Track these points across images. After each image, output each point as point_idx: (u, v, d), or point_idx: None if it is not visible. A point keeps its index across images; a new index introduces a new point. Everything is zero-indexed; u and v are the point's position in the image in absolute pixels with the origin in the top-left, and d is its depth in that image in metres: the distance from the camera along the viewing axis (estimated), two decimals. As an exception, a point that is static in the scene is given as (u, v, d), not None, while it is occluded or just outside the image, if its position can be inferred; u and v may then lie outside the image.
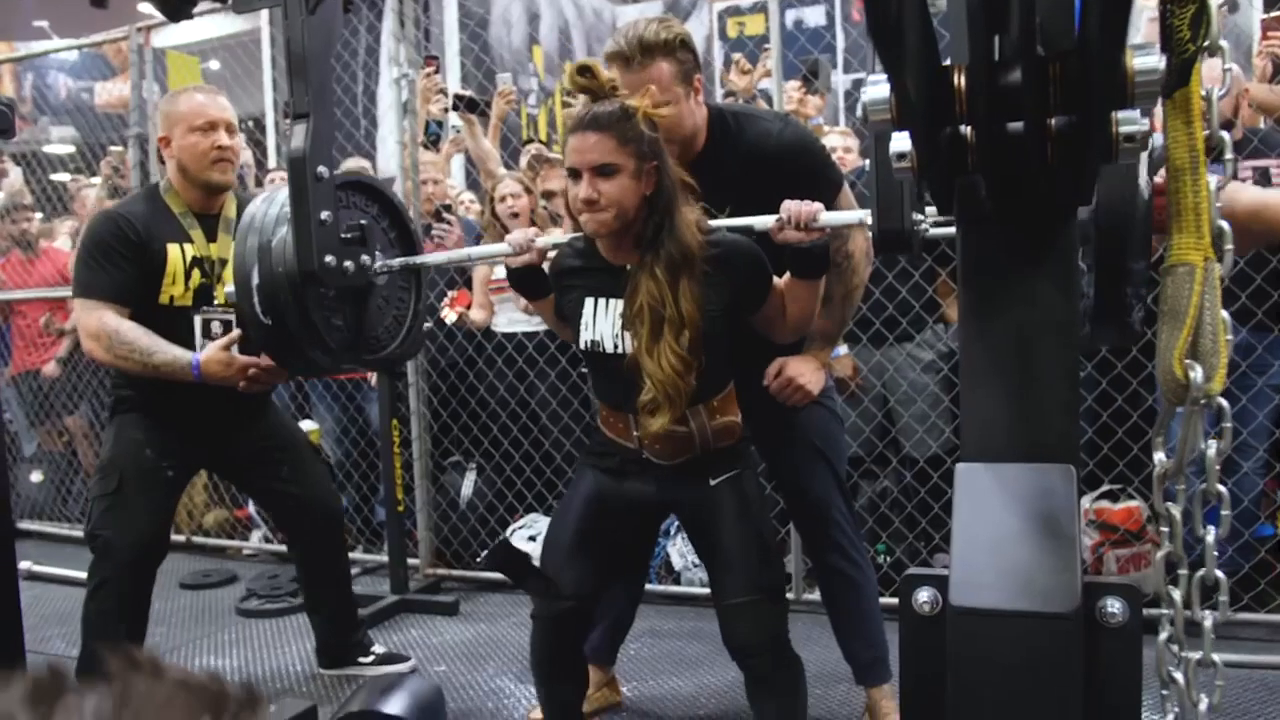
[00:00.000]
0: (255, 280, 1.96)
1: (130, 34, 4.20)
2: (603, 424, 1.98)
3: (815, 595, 3.05)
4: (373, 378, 3.78)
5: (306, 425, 4.12)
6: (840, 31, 5.51)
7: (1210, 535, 1.05)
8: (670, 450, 1.89)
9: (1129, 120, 1.03)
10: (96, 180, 4.91)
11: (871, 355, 3.26)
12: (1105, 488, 3.10)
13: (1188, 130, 0.98)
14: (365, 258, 2.22)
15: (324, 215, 2.11)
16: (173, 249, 2.45)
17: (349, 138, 4.38)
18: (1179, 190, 0.99)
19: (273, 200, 2.05)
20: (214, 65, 6.59)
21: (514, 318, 3.71)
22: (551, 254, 2.03)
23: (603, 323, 1.90)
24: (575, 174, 1.80)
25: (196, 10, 2.15)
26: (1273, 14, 3.40)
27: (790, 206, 1.75)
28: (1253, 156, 2.98)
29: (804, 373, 2.13)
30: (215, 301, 2.47)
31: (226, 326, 2.45)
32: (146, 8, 2.47)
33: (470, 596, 3.56)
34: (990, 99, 0.94)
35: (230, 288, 2.08)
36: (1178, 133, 0.98)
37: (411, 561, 3.64)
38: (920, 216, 1.86)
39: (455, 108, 4.26)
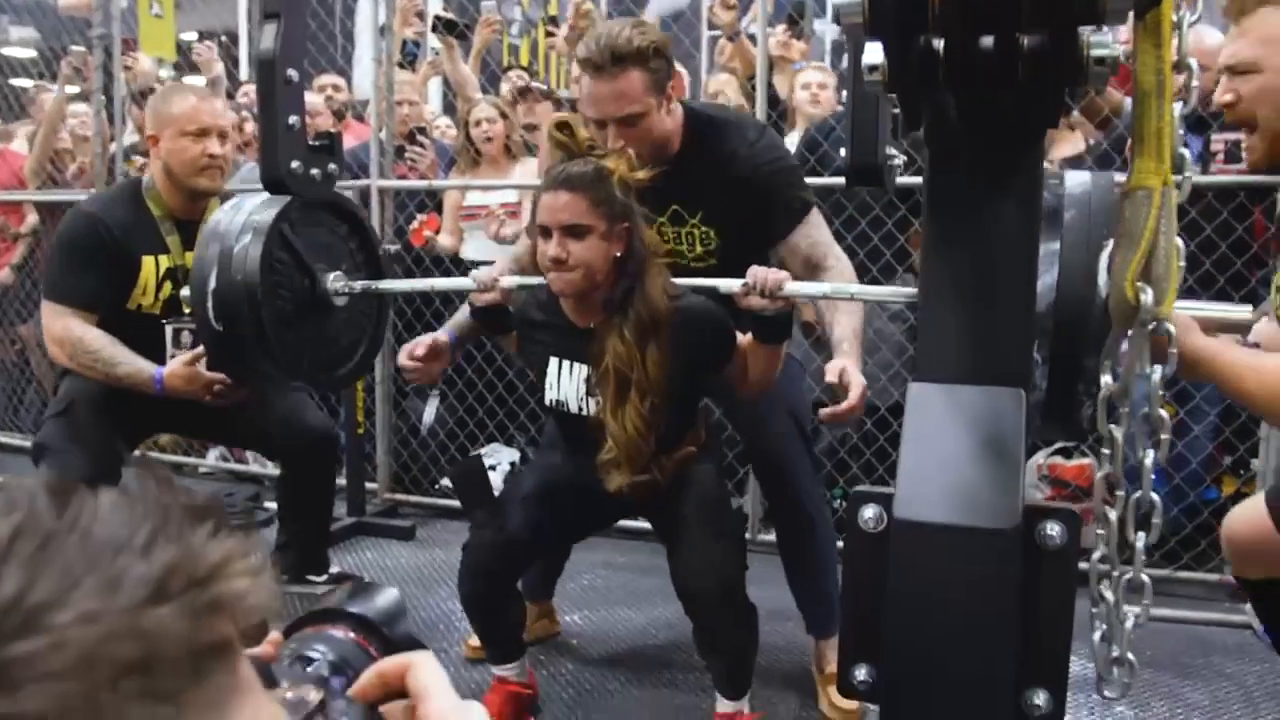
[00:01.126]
0: (212, 285, 1.94)
1: (98, -63, 4.08)
2: None
3: (771, 536, 3.10)
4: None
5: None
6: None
7: (1149, 458, 1.09)
8: (632, 492, 1.94)
9: (1101, 43, 1.04)
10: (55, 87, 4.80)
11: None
12: (1059, 444, 3.16)
13: (1157, 54, 0.99)
14: (333, 166, 2.20)
15: (292, 120, 2.08)
16: (147, 261, 2.44)
17: (322, 51, 4.30)
18: (1144, 114, 1.01)
19: (239, 207, 2.03)
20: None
21: (483, 245, 3.70)
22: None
23: (567, 384, 1.96)
24: (546, 232, 1.82)
25: None
26: None
27: (757, 273, 1.75)
28: (1227, 130, 3.00)
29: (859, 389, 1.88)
30: (186, 311, 2.45)
31: (197, 337, 2.44)
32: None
33: (427, 522, 3.59)
34: (963, 9, 0.95)
35: (186, 291, 2.08)
36: (1147, 55, 1.00)
37: (370, 486, 3.66)
38: (894, 152, 1.87)
39: (434, 29, 4.19)
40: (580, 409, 1.95)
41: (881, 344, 3.24)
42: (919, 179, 1.76)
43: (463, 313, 2.18)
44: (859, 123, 1.62)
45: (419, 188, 3.75)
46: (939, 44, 1.03)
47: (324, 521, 2.84)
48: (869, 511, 1.23)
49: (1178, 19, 1.02)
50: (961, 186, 1.18)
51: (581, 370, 1.94)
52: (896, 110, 1.61)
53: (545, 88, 4.16)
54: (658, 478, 1.94)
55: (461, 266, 3.72)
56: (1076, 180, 1.34)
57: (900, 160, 1.90)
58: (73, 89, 4.88)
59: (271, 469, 3.66)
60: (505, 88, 4.18)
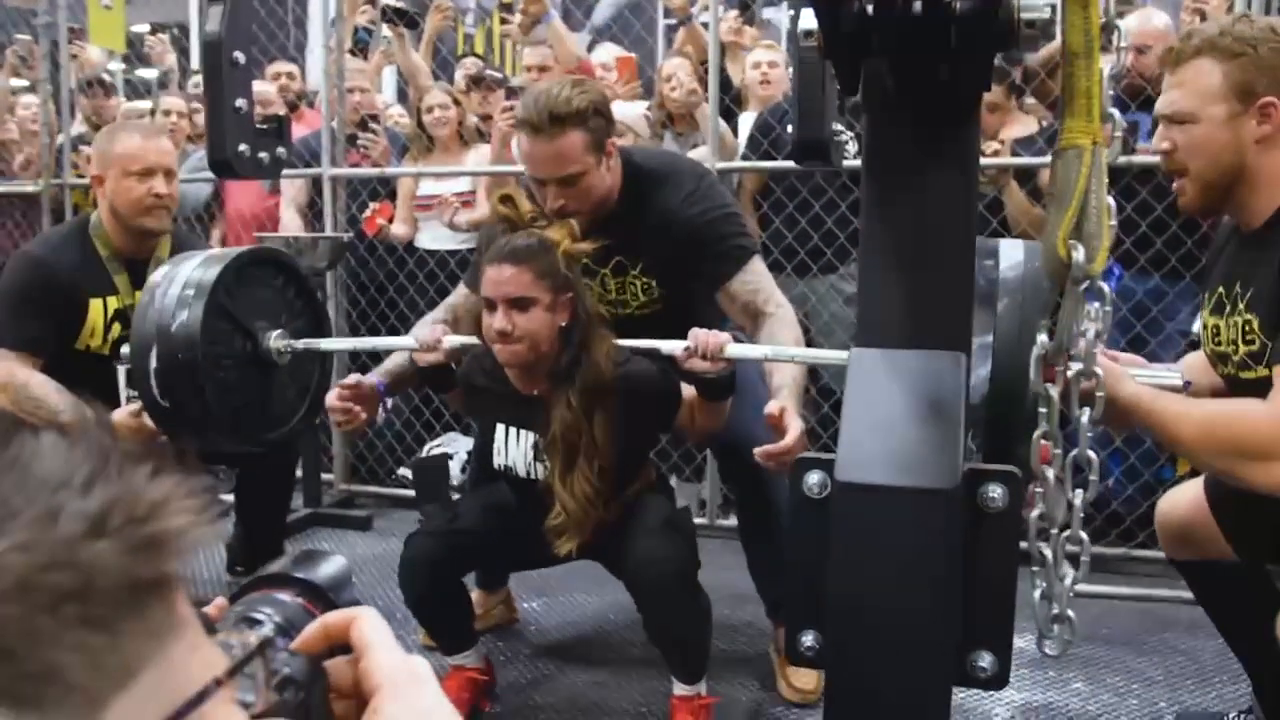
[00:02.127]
0: (153, 364, 1.93)
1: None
2: None
3: (730, 521, 3.12)
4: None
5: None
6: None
7: (1085, 416, 1.11)
8: (580, 553, 2.01)
9: (1030, 5, 1.06)
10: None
11: (794, 285, 3.30)
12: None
13: (1084, 14, 1.01)
14: (281, 150, 2.17)
15: (239, 103, 2.06)
16: (95, 304, 2.42)
17: (272, 39, 4.25)
18: (1073, 74, 1.03)
19: (173, 278, 1.98)
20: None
21: (437, 234, 3.68)
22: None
23: (514, 451, 2.01)
24: (491, 305, 1.86)
25: None
26: None
27: (699, 336, 1.78)
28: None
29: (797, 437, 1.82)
30: None
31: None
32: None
33: (383, 513, 3.57)
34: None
35: (126, 365, 2.07)
36: (1075, 17, 1.02)
37: (325, 476, 3.63)
38: (840, 128, 1.89)
39: (384, 18, 4.16)
40: (529, 473, 2.01)
41: (837, 327, 3.27)
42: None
43: (396, 359, 2.17)
44: (805, 98, 1.63)
45: (371, 175, 3.73)
46: (871, 9, 1.04)
47: (280, 515, 2.82)
48: (813, 477, 1.24)
49: (1104, -20, 1.04)
50: (898, 152, 1.20)
51: (529, 436, 2.00)
52: (842, 85, 1.63)
53: (500, 75, 4.15)
54: (605, 516, 1.97)
55: (415, 255, 3.71)
56: (1010, 261, 1.39)
57: (849, 137, 1.91)
58: (19, 81, 4.79)
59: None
60: (459, 74, 4.15)
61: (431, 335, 1.98)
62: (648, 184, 2.10)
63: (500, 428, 2.03)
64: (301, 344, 2.11)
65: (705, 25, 3.54)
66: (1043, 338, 1.11)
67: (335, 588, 0.71)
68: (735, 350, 1.79)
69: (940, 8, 1.04)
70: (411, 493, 3.59)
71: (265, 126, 2.14)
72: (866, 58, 1.14)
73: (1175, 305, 3.10)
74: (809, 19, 1.09)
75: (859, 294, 1.26)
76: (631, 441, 1.98)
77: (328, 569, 0.72)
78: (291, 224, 3.82)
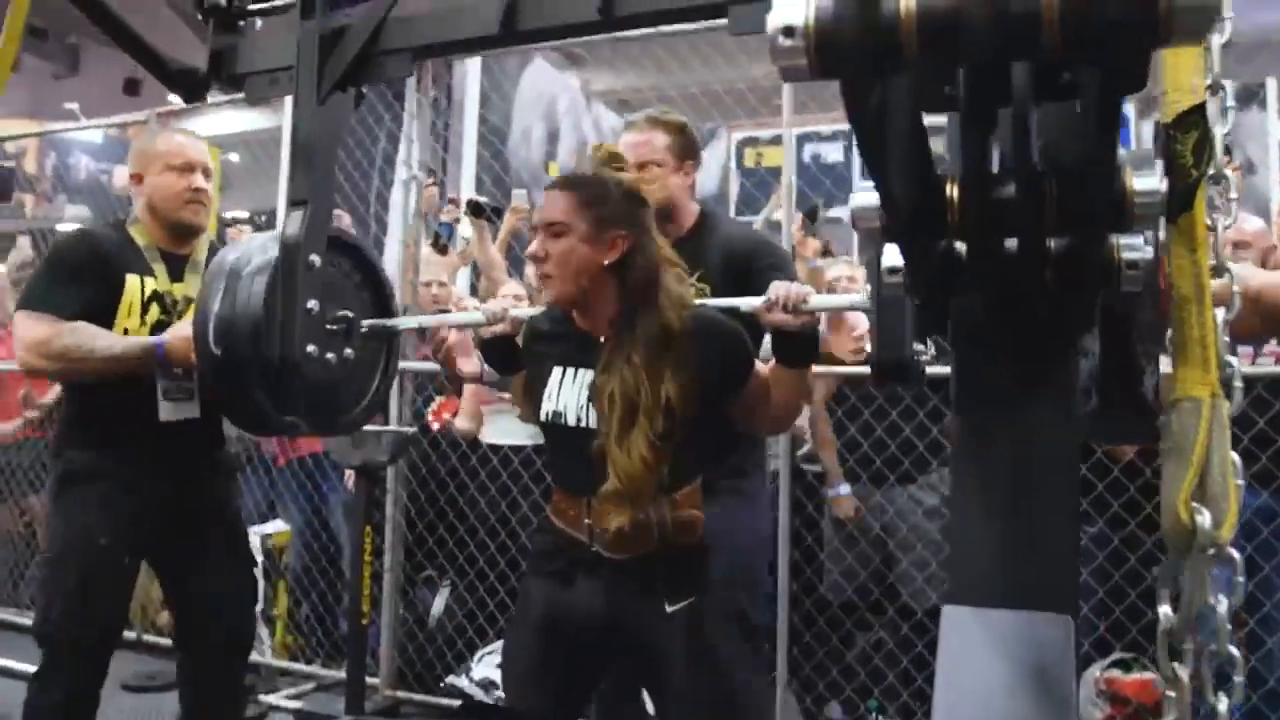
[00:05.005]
0: (215, 308, 1.94)
1: (152, 119, 4.31)
2: (554, 514, 1.86)
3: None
4: (349, 479, 3.70)
5: (275, 525, 4.05)
6: (857, 169, 5.64)
7: (1223, 704, 0.98)
8: (624, 543, 1.75)
9: (1132, 246, 1.01)
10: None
11: (871, 495, 3.19)
12: (1116, 655, 2.97)
13: (1192, 259, 0.95)
14: (349, 350, 2.19)
15: (311, 304, 2.09)
16: (132, 279, 2.38)
17: (359, 225, 4.45)
18: (1184, 321, 0.96)
19: (248, 244, 2.05)
20: (234, 157, 6.74)
21: (503, 429, 3.66)
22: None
23: (568, 392, 1.82)
24: (536, 230, 1.84)
25: (218, 100, 2.21)
26: None
27: (779, 288, 1.69)
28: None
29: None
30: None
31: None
32: (174, 97, 2.53)
33: (430, 725, 3.40)
34: (982, 212, 0.92)
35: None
36: (1182, 260, 0.96)
37: (371, 680, 3.49)
38: (921, 347, 1.83)
39: (468, 211, 4.32)
40: (579, 420, 1.80)
41: (917, 541, 3.12)
42: (945, 368, 1.70)
43: None
44: (883, 318, 1.57)
45: (430, 323, 3.76)
46: (960, 246, 1.00)
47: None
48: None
49: (1211, 222, 0.98)
50: (992, 394, 1.13)
51: (585, 375, 1.81)
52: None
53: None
54: (653, 528, 1.75)
55: (479, 451, 3.68)
56: None
57: (930, 354, 1.85)
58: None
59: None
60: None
61: (500, 305, 1.94)
62: (721, 221, 2.39)
63: (556, 371, 1.85)
64: (367, 323, 2.10)
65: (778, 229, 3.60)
66: (1165, 609, 0.99)
67: None
68: (819, 301, 1.71)
69: (1034, 246, 0.99)
70: (459, 700, 3.44)
71: (335, 328, 2.17)
72: (954, 295, 1.09)
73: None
74: (893, 255, 1.05)
75: (951, 546, 1.17)
76: (699, 397, 1.76)
77: None
78: (358, 414, 3.85)
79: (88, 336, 2.28)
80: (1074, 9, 0.75)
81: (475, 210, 4.19)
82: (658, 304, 1.75)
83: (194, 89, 2.18)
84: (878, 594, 3.20)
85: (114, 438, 2.34)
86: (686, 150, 2.30)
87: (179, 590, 2.51)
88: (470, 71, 6.20)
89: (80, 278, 2.35)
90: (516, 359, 1.96)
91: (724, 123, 5.94)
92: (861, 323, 1.88)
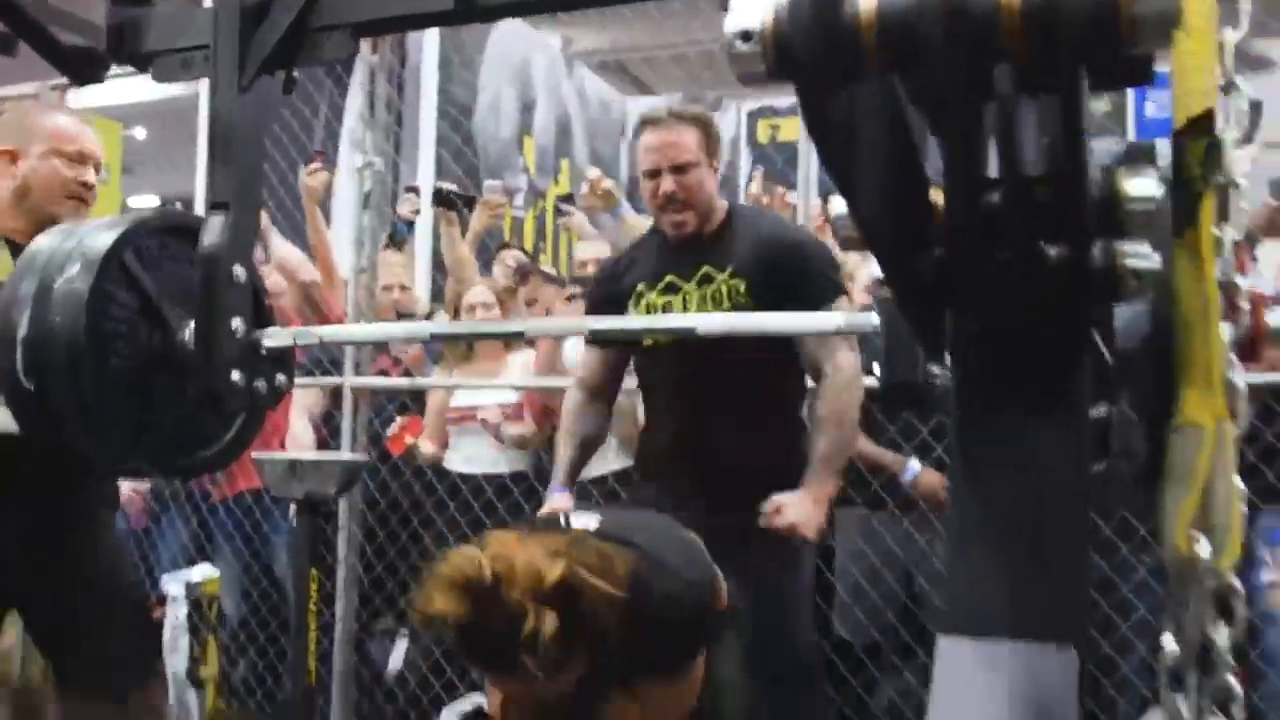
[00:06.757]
0: (22, 331, 1.77)
1: (42, 92, 4.39)
2: None
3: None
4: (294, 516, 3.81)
5: (203, 571, 4.13)
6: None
7: (1225, 738, 1.10)
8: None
9: (1137, 254, 1.13)
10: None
11: (898, 525, 3.31)
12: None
13: (1199, 274, 1.08)
14: (281, 377, 2.17)
15: (235, 323, 2.06)
16: None
17: (296, 230, 4.53)
18: (1189, 341, 1.09)
19: (72, 232, 1.88)
20: (139, 133, 6.77)
21: (472, 455, 3.78)
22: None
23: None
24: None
25: (113, 74, 2.23)
26: None
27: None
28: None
29: (804, 515, 2.42)
30: None
31: None
32: (62, 69, 2.58)
33: (391, 797, 3.52)
34: (967, 220, 1.04)
35: None
36: (1187, 278, 1.08)
37: (326, 745, 3.61)
38: (937, 369, 1.95)
39: (436, 202, 4.40)
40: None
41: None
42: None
43: (563, 454, 2.71)
44: (891, 336, 1.66)
45: (402, 386, 3.89)
46: (947, 257, 1.12)
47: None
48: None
49: (1219, 233, 1.11)
50: (992, 414, 1.25)
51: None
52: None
53: (551, 272, 4.35)
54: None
55: (446, 480, 3.80)
56: None
57: (944, 378, 1.97)
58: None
59: None
60: (497, 270, 4.31)
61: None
62: (751, 215, 2.76)
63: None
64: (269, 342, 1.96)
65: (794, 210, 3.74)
66: (1169, 640, 1.12)
67: None
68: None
69: (1026, 255, 1.11)
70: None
71: (266, 351, 2.15)
72: (950, 308, 1.21)
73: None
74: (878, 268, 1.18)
75: (949, 575, 1.29)
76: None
77: None
78: (304, 438, 3.92)
79: None
80: (1035, 10, 0.89)
81: (442, 201, 4.28)
82: None
83: (88, 69, 2.15)
84: (905, 635, 3.32)
85: None
86: (714, 145, 2.61)
87: (42, 630, 2.53)
88: (428, 31, 6.18)
89: None
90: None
91: (729, 91, 6.02)
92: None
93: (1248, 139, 1.18)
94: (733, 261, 2.51)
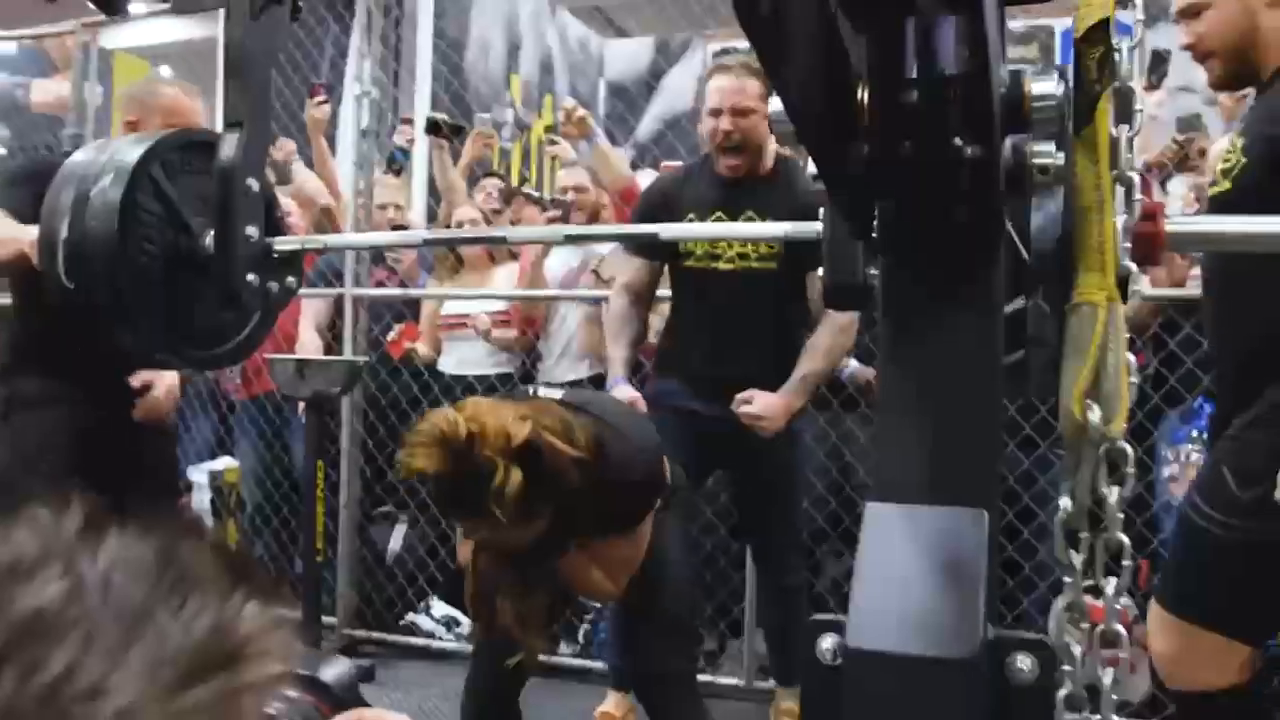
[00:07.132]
0: (63, 234, 1.84)
1: (77, 30, 4.34)
2: None
3: (768, 684, 3.10)
4: (301, 410, 3.83)
5: (224, 462, 4.18)
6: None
7: (1110, 586, 1.13)
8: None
9: (1043, 151, 1.14)
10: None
11: (841, 422, 3.34)
12: (1086, 582, 3.16)
13: (1094, 169, 1.08)
14: (291, 279, 2.25)
15: (250, 231, 2.14)
16: None
17: (304, 159, 4.49)
18: (1085, 228, 1.10)
19: (103, 147, 1.92)
20: (165, 70, 6.70)
21: (464, 357, 3.80)
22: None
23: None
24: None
25: (143, 12, 2.22)
26: None
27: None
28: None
29: (769, 411, 2.60)
30: None
31: None
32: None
33: (389, 662, 3.58)
34: (889, 116, 1.04)
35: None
36: (1085, 171, 1.09)
37: (328, 620, 3.66)
38: (877, 271, 1.96)
39: (428, 131, 4.38)
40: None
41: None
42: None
43: (616, 352, 2.79)
44: (834, 238, 1.68)
45: (396, 295, 3.88)
46: (869, 152, 1.13)
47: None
48: (826, 642, 1.26)
49: (1115, 133, 1.11)
50: (914, 297, 1.26)
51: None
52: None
53: (534, 193, 4.34)
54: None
55: (441, 380, 3.82)
56: None
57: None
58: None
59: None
60: (479, 195, 4.32)
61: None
62: (796, 170, 2.74)
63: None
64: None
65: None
66: (1065, 501, 1.14)
67: (344, 687, 0.77)
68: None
69: (939, 150, 1.12)
70: (421, 641, 3.62)
71: (278, 255, 2.23)
72: (877, 199, 1.22)
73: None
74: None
75: (877, 447, 1.31)
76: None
77: (335, 668, 0.79)
78: (311, 344, 3.94)
79: None
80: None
81: (433, 129, 4.26)
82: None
83: (113, 1, 2.18)
84: (848, 522, 3.38)
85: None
86: (769, 95, 2.68)
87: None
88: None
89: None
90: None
91: (697, 32, 5.97)
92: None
93: (1156, 85, 1.18)
94: (771, 214, 2.55)
